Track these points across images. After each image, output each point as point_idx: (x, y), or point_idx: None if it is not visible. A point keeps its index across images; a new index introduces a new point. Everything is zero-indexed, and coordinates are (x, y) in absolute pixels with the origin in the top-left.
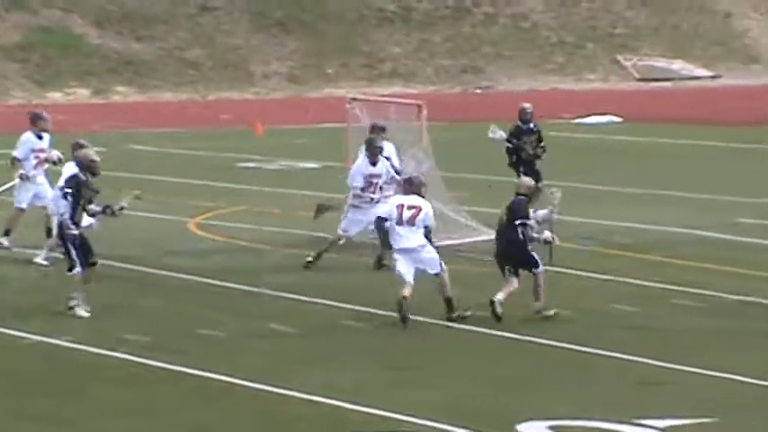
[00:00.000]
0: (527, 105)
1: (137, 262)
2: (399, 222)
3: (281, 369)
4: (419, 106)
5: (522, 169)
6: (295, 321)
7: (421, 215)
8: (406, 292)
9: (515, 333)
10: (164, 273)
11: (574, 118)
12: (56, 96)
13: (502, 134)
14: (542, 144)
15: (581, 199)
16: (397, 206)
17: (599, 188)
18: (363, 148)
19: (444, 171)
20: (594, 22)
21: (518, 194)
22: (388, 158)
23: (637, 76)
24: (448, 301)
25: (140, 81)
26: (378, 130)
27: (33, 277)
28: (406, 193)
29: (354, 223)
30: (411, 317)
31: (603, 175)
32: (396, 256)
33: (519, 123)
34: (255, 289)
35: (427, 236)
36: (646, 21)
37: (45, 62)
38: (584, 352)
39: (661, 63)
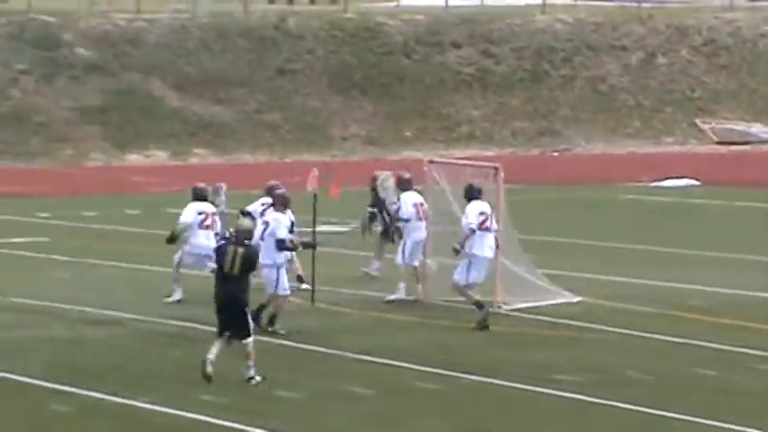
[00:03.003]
0: None
1: (206, 322)
2: None
3: (358, 431)
4: (496, 168)
5: None
6: (371, 383)
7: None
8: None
9: (591, 396)
10: None
11: (651, 181)
12: (134, 158)
13: None
14: None
15: (656, 262)
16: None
17: (675, 251)
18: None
19: (521, 233)
20: (672, 86)
21: None
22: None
23: (715, 139)
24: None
25: (219, 143)
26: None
27: (108, 338)
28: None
29: None
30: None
31: (680, 238)
32: None
33: None
34: (332, 351)
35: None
36: (724, 84)
37: (124, 125)
38: (663, 416)
39: (740, 126)
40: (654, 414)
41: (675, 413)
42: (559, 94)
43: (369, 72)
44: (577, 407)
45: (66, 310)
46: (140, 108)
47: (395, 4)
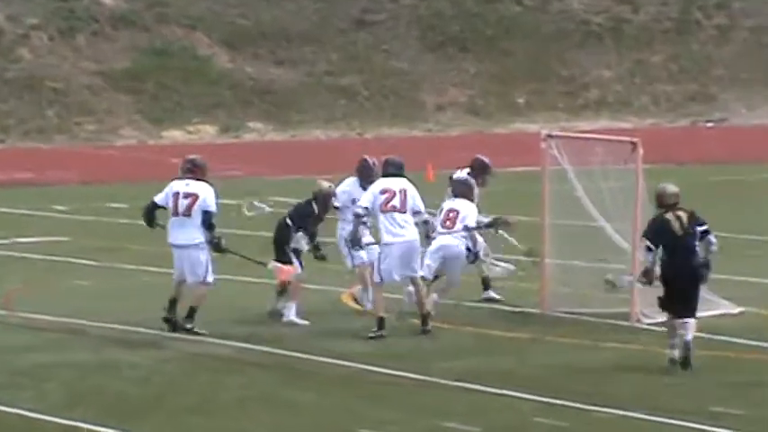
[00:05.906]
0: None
1: (280, 345)
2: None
3: None
4: (633, 144)
5: None
6: (476, 418)
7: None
8: None
9: None
10: (314, 358)
11: None
12: (175, 135)
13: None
14: None
15: None
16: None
17: None
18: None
19: None
20: None
21: None
22: None
23: None
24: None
25: (280, 115)
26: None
27: (149, 363)
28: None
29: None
30: None
31: None
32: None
33: None
34: (427, 378)
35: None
36: None
37: (162, 93)
38: None
39: None
40: None
41: None
42: (713, 50)
43: (469, 23)
44: None
45: (91, 327)
46: (181, 71)
47: None
